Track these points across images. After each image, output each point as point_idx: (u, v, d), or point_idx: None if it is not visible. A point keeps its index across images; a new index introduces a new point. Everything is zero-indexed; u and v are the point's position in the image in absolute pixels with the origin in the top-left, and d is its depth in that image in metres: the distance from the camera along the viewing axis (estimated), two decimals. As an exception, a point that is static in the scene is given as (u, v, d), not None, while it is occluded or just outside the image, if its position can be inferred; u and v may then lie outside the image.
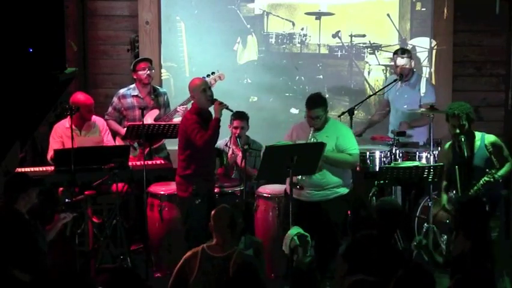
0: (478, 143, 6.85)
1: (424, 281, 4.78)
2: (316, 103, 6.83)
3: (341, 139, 6.84)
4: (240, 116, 7.70)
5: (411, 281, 4.72)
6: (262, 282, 5.54)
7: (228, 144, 7.85)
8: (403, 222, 5.97)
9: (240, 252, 5.69)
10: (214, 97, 7.00)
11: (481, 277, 4.95)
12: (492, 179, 6.66)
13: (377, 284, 4.49)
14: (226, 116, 7.07)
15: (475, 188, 6.70)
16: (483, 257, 5.42)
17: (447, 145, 7.06)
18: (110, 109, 8.12)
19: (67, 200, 6.82)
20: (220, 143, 7.64)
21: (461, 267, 5.37)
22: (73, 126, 7.42)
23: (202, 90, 6.94)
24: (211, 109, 7.06)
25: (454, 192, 6.90)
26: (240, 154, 7.48)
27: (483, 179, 6.68)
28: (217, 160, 7.53)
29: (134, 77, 8.03)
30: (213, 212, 5.80)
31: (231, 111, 7.14)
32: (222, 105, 6.89)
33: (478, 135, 6.90)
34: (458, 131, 6.77)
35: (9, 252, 5.73)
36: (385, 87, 8.17)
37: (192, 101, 7.09)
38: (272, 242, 7.14)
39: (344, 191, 6.92)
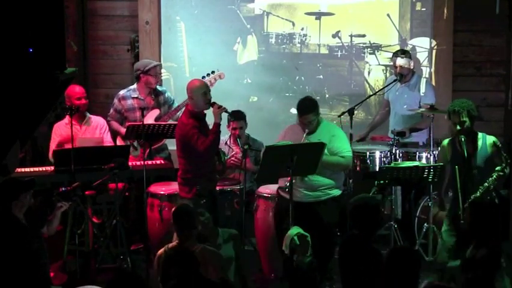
0: (479, 142, 6.71)
1: (410, 260, 4.79)
2: (306, 109, 6.78)
3: (334, 141, 6.78)
4: (237, 117, 7.68)
5: (397, 262, 4.74)
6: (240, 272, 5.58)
7: (228, 143, 7.85)
8: (380, 218, 5.91)
9: (203, 248, 5.72)
10: (214, 97, 6.95)
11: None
12: (503, 174, 6.56)
13: None
14: (224, 117, 7.04)
15: (486, 184, 6.56)
16: (493, 263, 5.37)
17: (445, 142, 6.94)
18: (111, 111, 8.08)
19: (61, 190, 6.79)
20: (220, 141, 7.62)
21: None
22: (74, 123, 7.43)
23: (202, 93, 6.82)
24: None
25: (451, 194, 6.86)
26: (240, 154, 7.51)
27: (495, 174, 6.56)
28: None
29: (143, 78, 7.92)
30: (173, 211, 5.90)
31: (229, 113, 7.08)
32: (220, 109, 6.78)
33: (479, 134, 6.81)
34: (459, 127, 6.68)
35: (6, 259, 5.71)
36: (385, 87, 8.17)
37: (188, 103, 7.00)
38: (272, 242, 7.13)
39: (337, 192, 6.91)
